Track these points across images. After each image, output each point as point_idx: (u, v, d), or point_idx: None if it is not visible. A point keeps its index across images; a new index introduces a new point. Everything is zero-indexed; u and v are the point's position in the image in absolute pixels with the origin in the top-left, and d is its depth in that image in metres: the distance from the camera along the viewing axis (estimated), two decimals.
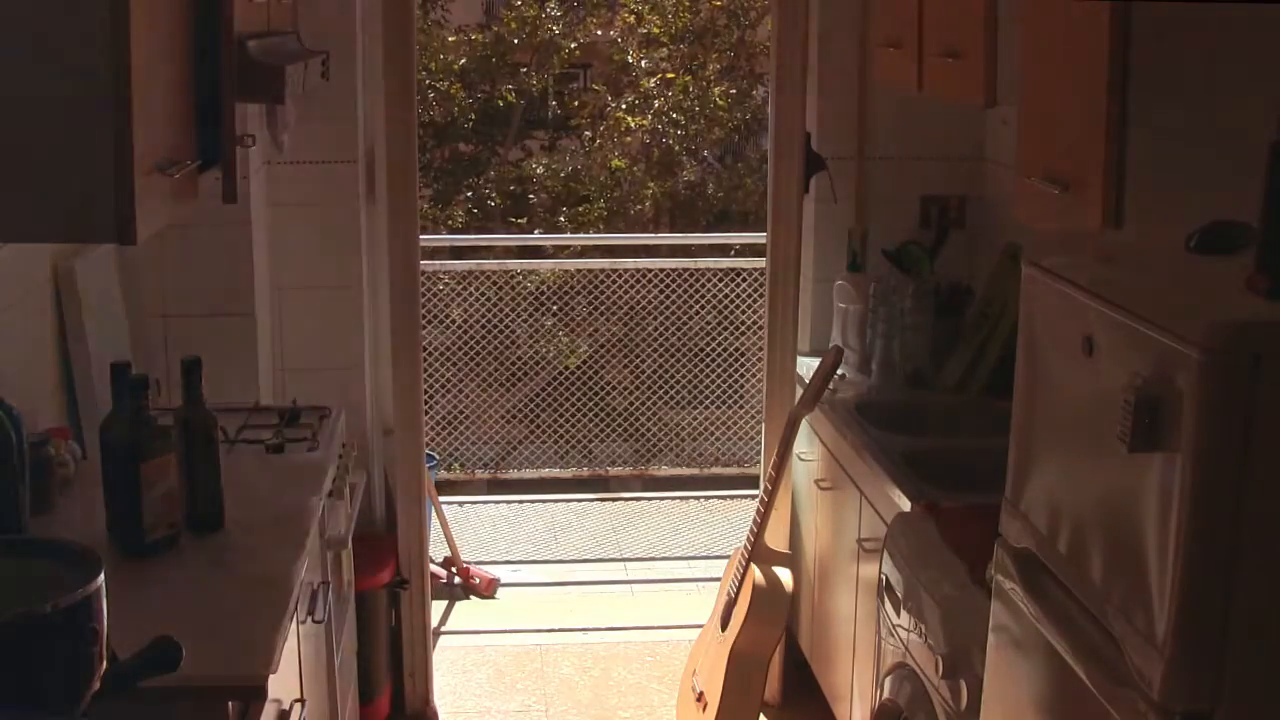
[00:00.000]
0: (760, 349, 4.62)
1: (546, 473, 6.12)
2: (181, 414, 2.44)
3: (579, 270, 6.48)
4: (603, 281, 6.17)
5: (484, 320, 6.15)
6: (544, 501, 5.63)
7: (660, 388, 6.07)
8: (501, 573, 4.79)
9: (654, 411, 6.11)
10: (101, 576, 1.53)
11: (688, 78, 10.79)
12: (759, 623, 3.49)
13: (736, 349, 6.08)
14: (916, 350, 3.65)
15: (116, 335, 3.17)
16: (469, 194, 11.30)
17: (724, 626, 3.58)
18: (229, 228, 3.43)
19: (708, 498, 5.36)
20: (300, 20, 3.45)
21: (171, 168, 2.12)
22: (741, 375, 6.11)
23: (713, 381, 6.02)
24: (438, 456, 5.55)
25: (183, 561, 2.32)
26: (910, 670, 2.57)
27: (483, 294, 6.16)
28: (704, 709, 3.56)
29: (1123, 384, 1.63)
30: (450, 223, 10.92)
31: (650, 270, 5.98)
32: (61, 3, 1.88)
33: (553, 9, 11.35)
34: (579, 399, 6.21)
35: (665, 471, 5.97)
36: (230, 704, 1.90)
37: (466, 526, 5.24)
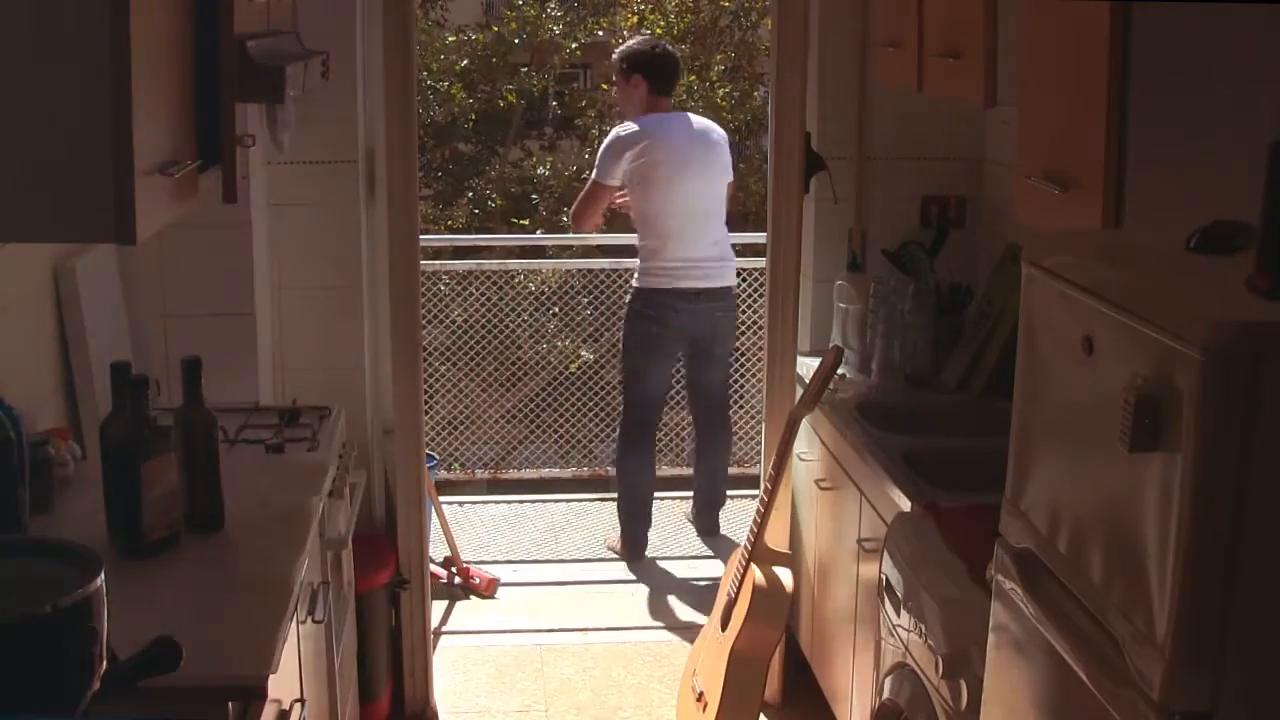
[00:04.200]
0: (760, 349, 4.63)
1: (546, 473, 6.11)
2: (181, 414, 2.44)
3: (580, 270, 6.48)
4: (604, 281, 6.17)
5: (484, 320, 6.15)
6: (544, 501, 5.63)
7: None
8: (501, 573, 4.79)
9: None
10: (101, 576, 1.53)
11: (692, 77, 10.79)
12: (759, 623, 3.49)
13: (736, 349, 6.08)
14: (916, 350, 3.65)
15: (116, 335, 3.17)
16: (470, 194, 11.30)
17: (724, 626, 3.58)
18: (229, 228, 3.43)
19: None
20: (300, 20, 3.45)
21: (171, 168, 2.12)
22: (741, 375, 6.10)
23: None
24: (438, 456, 5.55)
25: (183, 561, 2.32)
26: (910, 670, 2.57)
27: (483, 294, 6.16)
28: (704, 709, 3.56)
29: (1123, 384, 1.63)
30: (451, 223, 10.92)
31: None
32: (62, 3, 1.88)
33: (553, 9, 11.35)
34: (579, 398, 6.21)
35: (665, 471, 5.96)
36: (230, 704, 1.90)
37: (466, 526, 5.24)
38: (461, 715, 3.92)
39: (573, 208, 5.07)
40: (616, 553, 5.03)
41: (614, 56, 5.04)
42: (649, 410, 4.96)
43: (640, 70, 4.82)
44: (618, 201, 4.99)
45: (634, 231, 5.44)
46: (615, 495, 5.19)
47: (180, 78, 2.27)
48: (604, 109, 11.43)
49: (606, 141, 4.83)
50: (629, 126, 4.79)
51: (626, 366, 4.93)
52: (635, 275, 4.86)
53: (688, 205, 4.76)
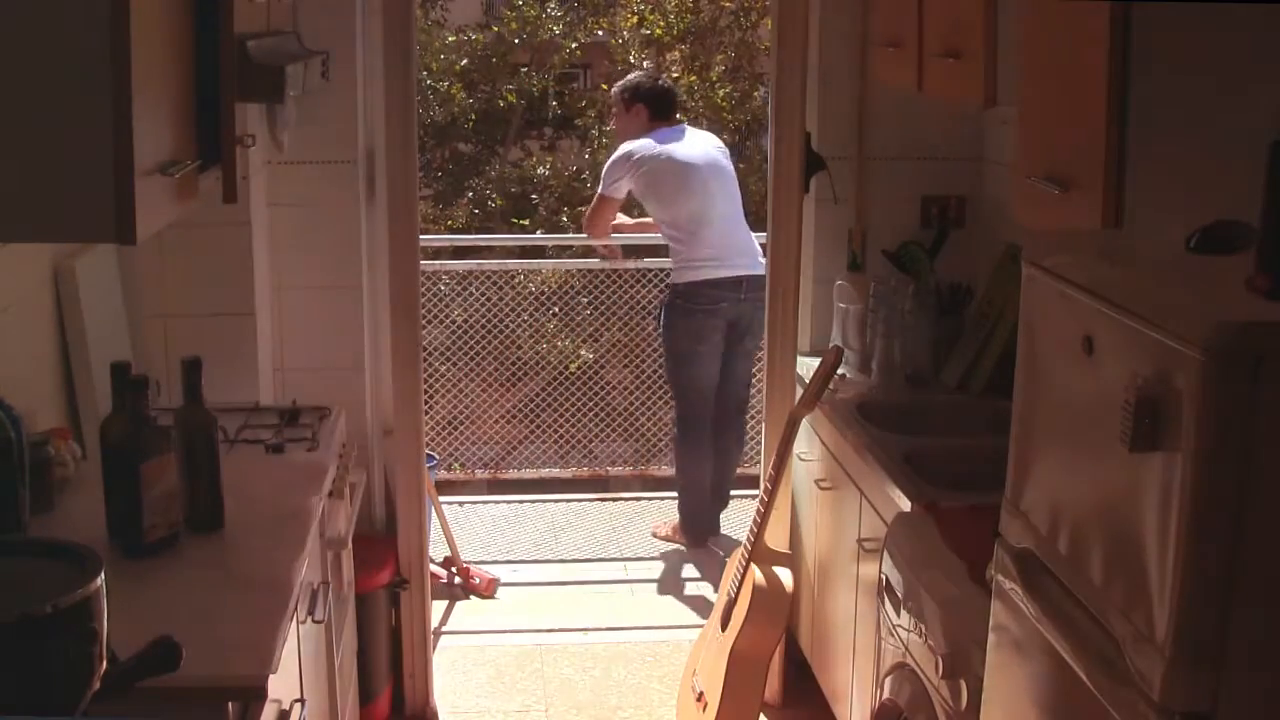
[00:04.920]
0: (760, 349, 4.63)
1: (546, 473, 6.12)
2: (181, 414, 2.44)
3: (580, 270, 6.49)
4: (604, 281, 6.18)
5: (484, 320, 6.16)
6: (544, 501, 5.63)
7: (660, 387, 6.06)
8: (501, 573, 4.79)
9: (654, 411, 6.11)
10: (101, 576, 1.53)
11: (693, 78, 10.79)
12: (759, 623, 3.49)
13: None
14: (916, 350, 3.65)
15: (116, 335, 3.17)
16: (470, 194, 11.29)
17: (724, 626, 3.58)
18: (229, 228, 3.42)
19: None
20: (300, 20, 3.45)
21: (171, 168, 2.12)
22: None
23: None
24: (438, 456, 5.55)
25: (183, 561, 2.32)
26: (910, 670, 2.57)
27: (483, 294, 6.17)
28: (704, 709, 3.56)
29: (1123, 384, 1.63)
30: (451, 223, 10.91)
31: (651, 270, 5.98)
32: (62, 3, 1.88)
33: (553, 9, 11.34)
34: (579, 399, 6.21)
35: (665, 471, 5.97)
36: (230, 704, 1.90)
37: (466, 526, 5.24)
38: (461, 715, 3.92)
39: (585, 219, 5.30)
40: (668, 539, 5.14)
41: (615, 89, 5.20)
42: (703, 401, 5.05)
43: (642, 100, 5.03)
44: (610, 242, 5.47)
45: (625, 232, 5.49)
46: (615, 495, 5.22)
47: (180, 78, 2.27)
48: (604, 109, 11.42)
49: (612, 158, 5.01)
50: (632, 143, 4.98)
51: (674, 362, 5.04)
52: (670, 273, 5.03)
53: (705, 201, 4.91)
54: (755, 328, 4.97)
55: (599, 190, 5.08)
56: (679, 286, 4.94)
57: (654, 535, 5.19)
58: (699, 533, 5.11)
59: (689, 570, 4.91)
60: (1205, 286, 1.70)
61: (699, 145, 5.02)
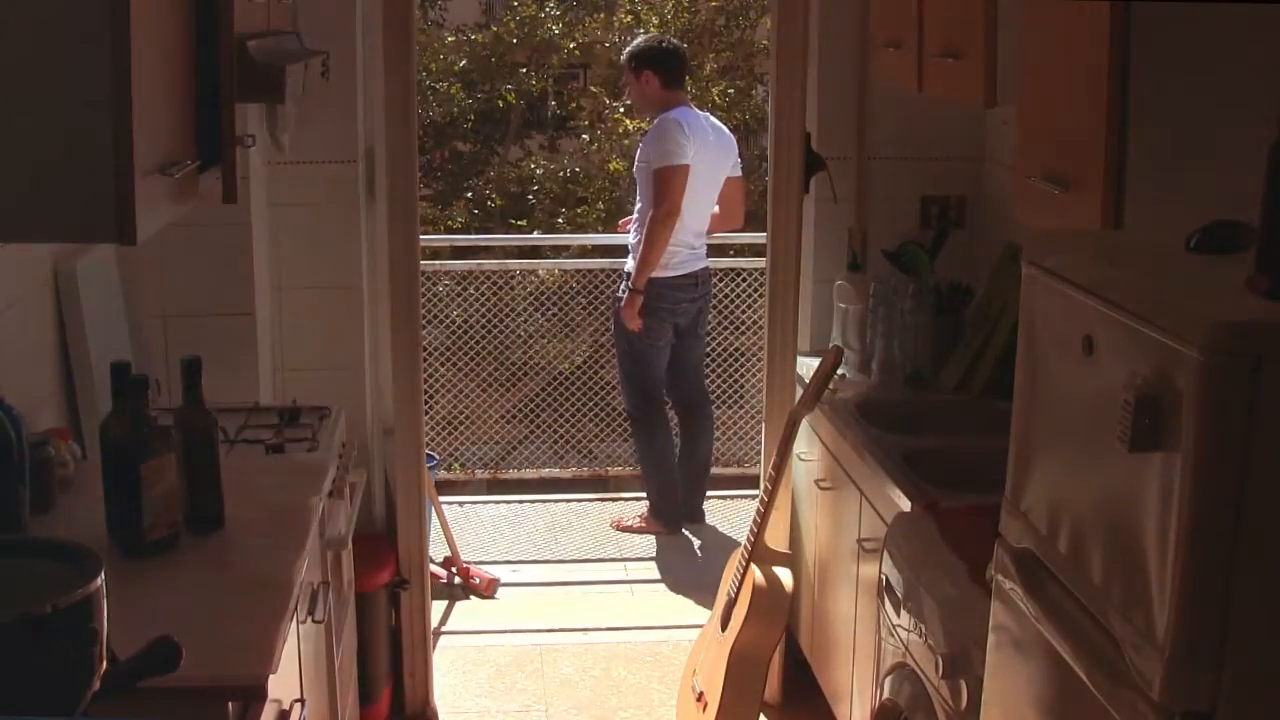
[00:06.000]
0: (760, 349, 4.63)
1: (546, 473, 6.12)
2: (181, 414, 2.44)
3: (578, 270, 6.49)
4: (602, 282, 6.18)
5: (484, 320, 6.16)
6: (544, 501, 5.63)
7: None
8: (501, 573, 4.79)
9: None
10: (101, 576, 1.53)
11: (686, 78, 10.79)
12: (759, 623, 3.49)
13: (736, 349, 6.08)
14: (916, 350, 3.65)
15: (116, 335, 3.17)
16: (469, 195, 11.30)
17: (724, 626, 3.58)
18: (229, 228, 3.43)
19: (708, 498, 5.36)
20: (300, 20, 3.45)
21: (171, 168, 2.12)
22: (741, 375, 6.10)
23: (713, 381, 6.02)
24: (438, 456, 5.55)
25: (183, 561, 2.32)
26: (910, 670, 2.58)
27: (482, 294, 6.17)
28: (704, 709, 3.56)
29: (1123, 384, 1.63)
30: (450, 223, 10.91)
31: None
32: (62, 2, 1.88)
33: (552, 9, 11.35)
34: (579, 399, 6.21)
35: None
36: (230, 704, 1.90)
37: (466, 526, 5.24)
38: (461, 715, 3.92)
39: (664, 205, 4.74)
40: (639, 531, 5.15)
41: (622, 57, 5.13)
42: (659, 386, 5.10)
43: (649, 66, 4.93)
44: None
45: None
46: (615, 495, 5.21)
47: (180, 78, 2.27)
48: (595, 113, 11.42)
49: (662, 128, 4.79)
50: (671, 115, 4.82)
51: (633, 356, 5.01)
52: (631, 265, 4.91)
53: (696, 198, 4.85)
54: (704, 313, 5.14)
55: (660, 165, 4.73)
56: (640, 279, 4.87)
57: (617, 528, 5.20)
58: (674, 518, 5.11)
59: (689, 570, 4.90)
60: (1205, 286, 1.70)
61: (717, 132, 4.94)
